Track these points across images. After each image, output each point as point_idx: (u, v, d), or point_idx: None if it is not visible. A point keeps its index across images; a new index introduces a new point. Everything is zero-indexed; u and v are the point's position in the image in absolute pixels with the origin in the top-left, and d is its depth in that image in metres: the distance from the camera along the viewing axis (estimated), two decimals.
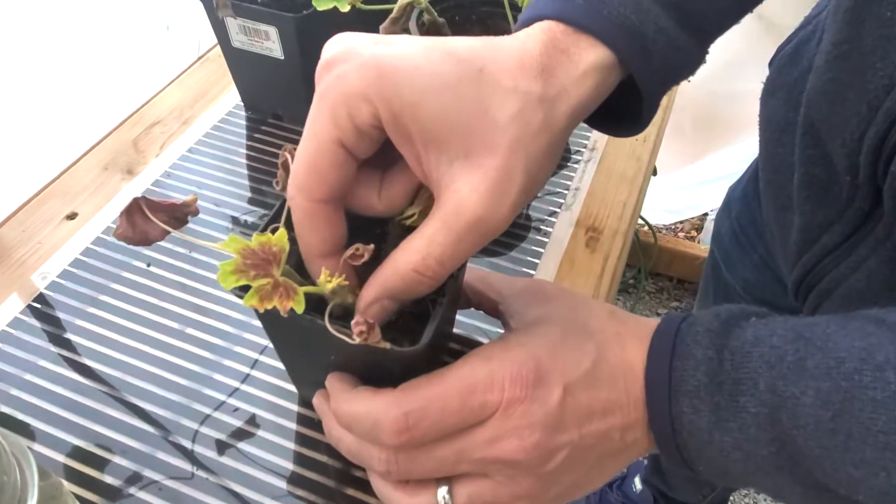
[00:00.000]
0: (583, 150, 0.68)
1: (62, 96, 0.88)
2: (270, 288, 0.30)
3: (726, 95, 1.34)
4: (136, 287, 0.53)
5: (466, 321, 0.51)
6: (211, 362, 0.48)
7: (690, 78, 0.36)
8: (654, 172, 0.87)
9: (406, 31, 0.51)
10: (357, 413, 0.33)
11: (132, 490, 0.42)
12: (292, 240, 0.32)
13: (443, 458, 0.32)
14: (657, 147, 0.70)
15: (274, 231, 0.31)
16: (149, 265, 0.54)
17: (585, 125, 0.36)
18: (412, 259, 0.31)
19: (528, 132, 0.30)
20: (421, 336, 0.33)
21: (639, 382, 0.32)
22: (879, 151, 0.34)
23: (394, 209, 0.34)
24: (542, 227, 0.60)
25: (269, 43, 0.60)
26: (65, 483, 0.41)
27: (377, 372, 0.34)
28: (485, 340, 0.50)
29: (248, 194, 0.61)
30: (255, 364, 0.48)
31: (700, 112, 1.42)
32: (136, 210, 0.34)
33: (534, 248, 0.58)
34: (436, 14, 0.52)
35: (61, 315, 0.51)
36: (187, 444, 0.44)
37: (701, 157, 1.48)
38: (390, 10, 0.48)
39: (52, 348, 0.49)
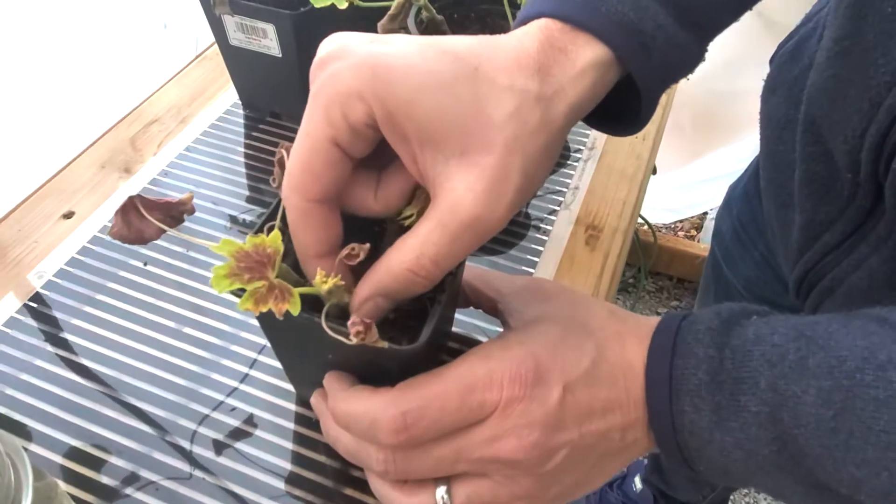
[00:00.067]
0: (582, 148, 0.67)
1: (59, 94, 0.88)
2: (265, 291, 0.29)
3: (726, 94, 1.34)
4: (134, 286, 0.52)
5: (465, 320, 0.51)
6: (209, 362, 0.48)
7: (689, 76, 0.36)
8: (654, 171, 0.87)
9: (404, 28, 0.51)
10: (355, 412, 0.33)
11: (129, 490, 0.42)
12: (288, 239, 0.32)
13: (441, 457, 0.32)
14: (657, 145, 0.70)
15: (269, 231, 0.30)
16: (146, 264, 0.54)
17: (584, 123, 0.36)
18: (406, 258, 0.30)
19: (525, 131, 0.30)
20: (419, 334, 0.32)
21: (639, 381, 0.32)
22: (881, 148, 0.34)
23: (390, 209, 0.34)
24: (541, 225, 0.60)
25: (267, 41, 0.60)
26: (61, 483, 0.41)
27: (375, 371, 0.34)
28: (484, 339, 0.50)
29: (247, 193, 0.61)
30: (253, 364, 0.48)
31: (699, 110, 1.42)
32: (131, 209, 0.33)
33: (533, 246, 0.58)
34: (434, 11, 0.52)
35: (58, 314, 0.50)
36: (185, 444, 0.44)
37: (700, 155, 1.48)
38: (388, 8, 0.48)
39: (49, 348, 0.48)
